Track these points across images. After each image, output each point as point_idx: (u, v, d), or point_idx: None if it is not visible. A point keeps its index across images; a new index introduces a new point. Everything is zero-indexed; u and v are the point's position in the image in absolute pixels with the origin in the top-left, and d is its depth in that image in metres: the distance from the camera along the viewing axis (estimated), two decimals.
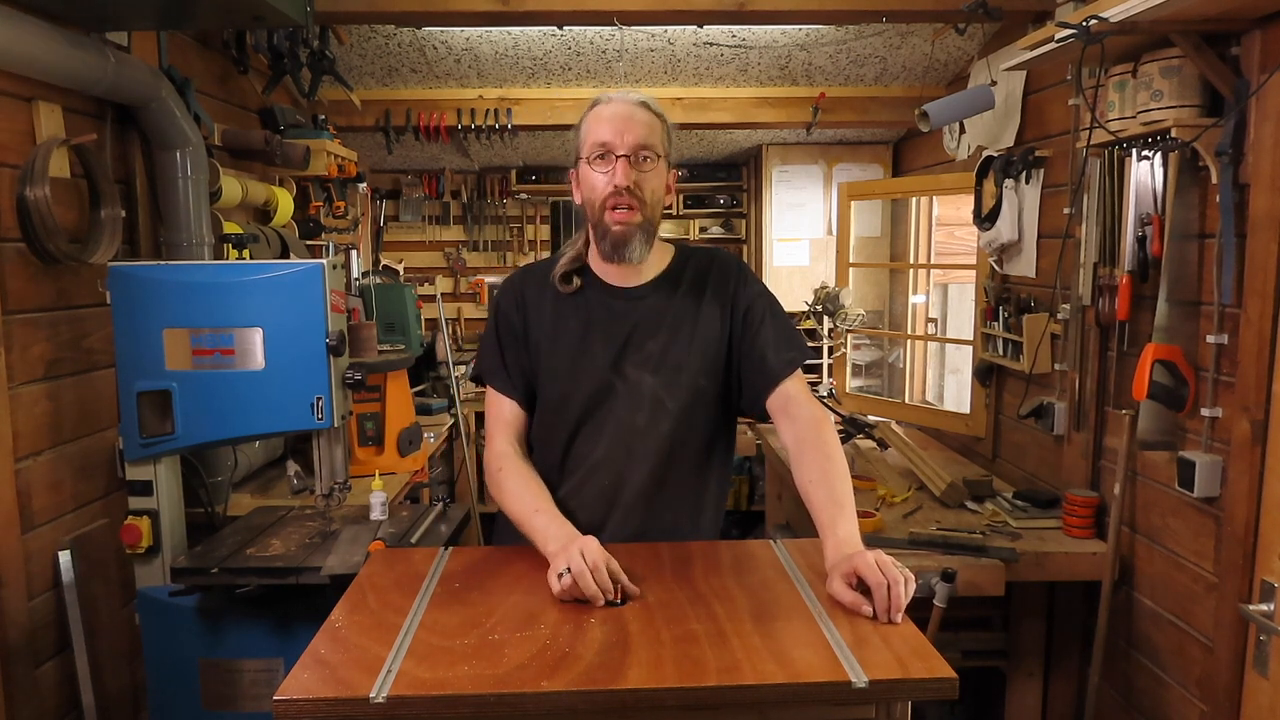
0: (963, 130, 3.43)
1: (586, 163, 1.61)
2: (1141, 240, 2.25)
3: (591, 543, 1.38)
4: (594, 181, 1.60)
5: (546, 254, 4.98)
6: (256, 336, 1.91)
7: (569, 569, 1.33)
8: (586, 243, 1.70)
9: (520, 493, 1.60)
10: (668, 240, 1.74)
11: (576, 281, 1.68)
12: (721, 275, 1.71)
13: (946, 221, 4.32)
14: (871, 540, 1.76)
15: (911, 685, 1.11)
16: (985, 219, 3.05)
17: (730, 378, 1.70)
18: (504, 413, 1.71)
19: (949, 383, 4.43)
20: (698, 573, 1.44)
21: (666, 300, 1.68)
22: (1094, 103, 2.35)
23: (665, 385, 1.64)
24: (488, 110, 3.88)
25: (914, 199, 4.15)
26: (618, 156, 1.57)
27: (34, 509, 2.01)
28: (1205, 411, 2.09)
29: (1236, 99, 2.00)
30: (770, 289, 1.77)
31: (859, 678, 1.09)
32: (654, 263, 1.69)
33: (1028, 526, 2.57)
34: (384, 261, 4.94)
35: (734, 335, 1.69)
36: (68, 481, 2.14)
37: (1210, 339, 2.06)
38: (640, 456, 1.64)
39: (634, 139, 1.57)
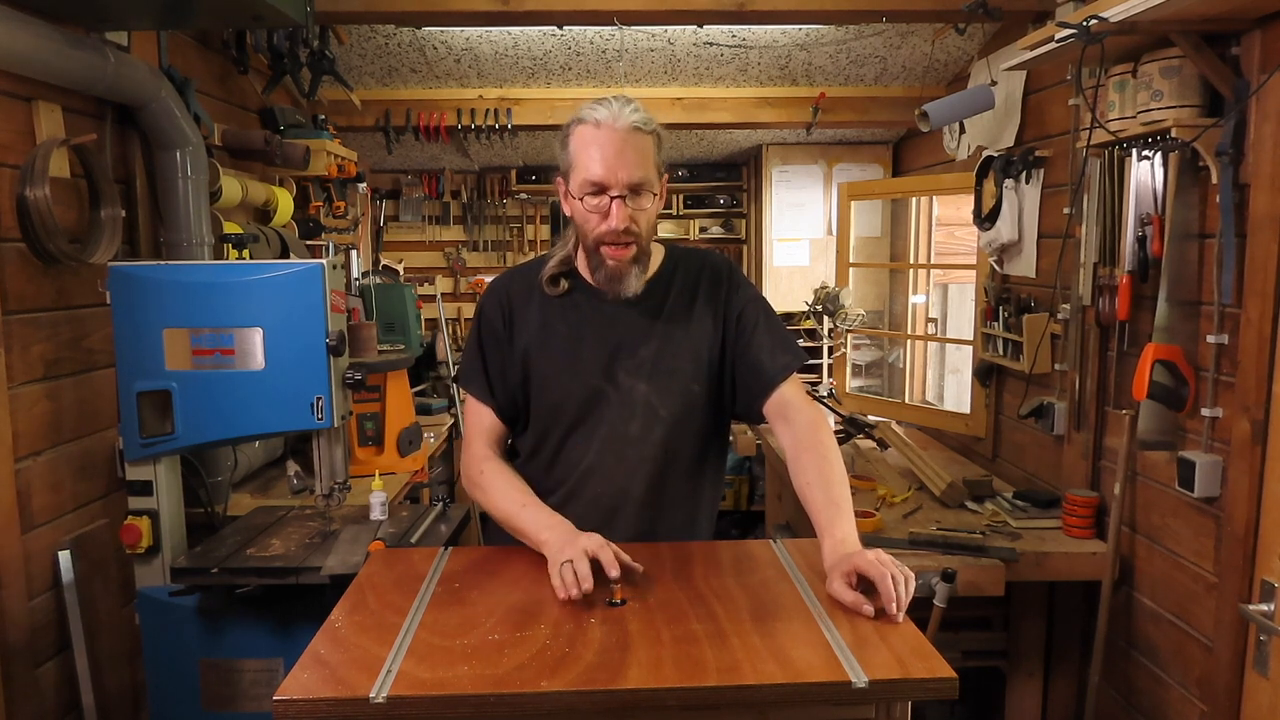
0: (963, 130, 3.43)
1: (577, 199, 1.53)
2: (1141, 240, 2.25)
3: (580, 541, 1.37)
4: (586, 216, 1.53)
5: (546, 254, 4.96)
6: (256, 336, 1.91)
7: (571, 567, 1.33)
8: (576, 245, 1.64)
9: (505, 490, 1.59)
10: (658, 240, 1.70)
11: (564, 284, 1.64)
12: (713, 280, 1.68)
13: (946, 221, 4.32)
14: (871, 540, 1.77)
15: (911, 685, 1.11)
16: (985, 219, 3.05)
17: (723, 383, 1.68)
18: (482, 420, 1.68)
19: (949, 383, 4.43)
20: (698, 573, 1.44)
21: (658, 305, 1.64)
22: (1094, 103, 2.35)
23: (658, 392, 1.62)
24: (488, 110, 3.88)
25: (914, 199, 4.14)
26: (612, 197, 1.50)
27: (34, 509, 2.01)
28: (1205, 411, 2.09)
29: (1236, 99, 2.00)
30: (769, 289, 1.76)
31: (859, 678, 1.09)
32: None
33: (1028, 526, 2.57)
34: (384, 261, 4.94)
35: (727, 341, 1.66)
36: (68, 481, 2.14)
37: (1210, 339, 2.06)
38: (634, 464, 1.62)
39: (628, 176, 1.48)
